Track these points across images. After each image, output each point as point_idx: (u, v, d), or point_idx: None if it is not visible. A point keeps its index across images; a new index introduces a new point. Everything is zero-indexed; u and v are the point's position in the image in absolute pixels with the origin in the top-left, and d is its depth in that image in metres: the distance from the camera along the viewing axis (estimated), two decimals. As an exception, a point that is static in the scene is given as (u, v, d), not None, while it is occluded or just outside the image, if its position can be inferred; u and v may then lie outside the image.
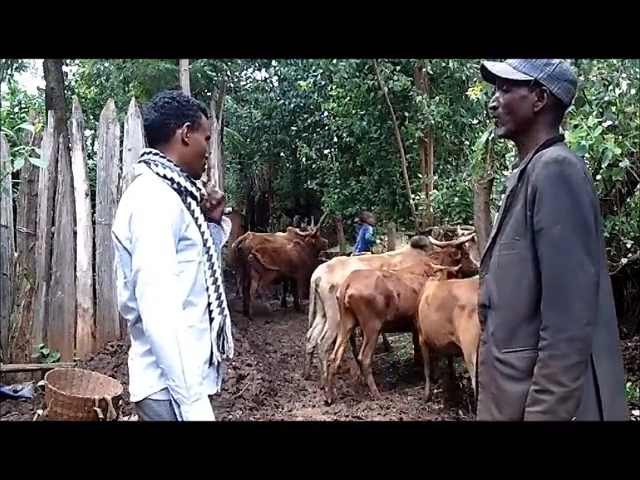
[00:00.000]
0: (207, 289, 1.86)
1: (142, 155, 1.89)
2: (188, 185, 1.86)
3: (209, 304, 1.86)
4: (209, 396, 1.83)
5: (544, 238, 1.47)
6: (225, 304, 1.93)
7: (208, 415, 1.71)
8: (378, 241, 9.74)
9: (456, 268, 5.04)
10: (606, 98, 3.61)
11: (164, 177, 1.82)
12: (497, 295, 1.60)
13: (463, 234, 5.57)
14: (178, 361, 1.65)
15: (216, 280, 1.89)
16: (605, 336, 1.52)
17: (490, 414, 1.60)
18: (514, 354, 1.53)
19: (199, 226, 1.87)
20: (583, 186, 1.47)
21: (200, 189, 1.93)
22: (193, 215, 1.86)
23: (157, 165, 1.83)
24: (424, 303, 4.72)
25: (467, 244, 5.32)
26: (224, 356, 1.91)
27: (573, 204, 1.45)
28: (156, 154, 1.86)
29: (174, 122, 1.86)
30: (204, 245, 1.87)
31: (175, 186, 1.83)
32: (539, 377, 1.44)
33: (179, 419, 1.70)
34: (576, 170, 1.47)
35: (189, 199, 1.87)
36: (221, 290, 1.91)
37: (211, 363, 1.85)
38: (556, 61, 1.57)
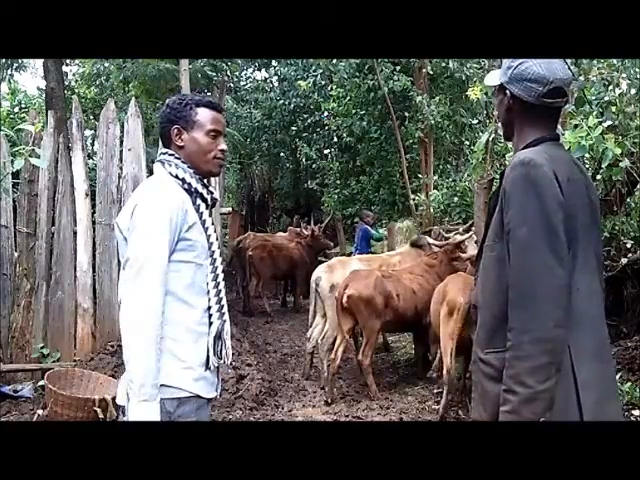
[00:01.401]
0: (208, 292, 1.85)
1: (159, 155, 1.91)
2: (199, 187, 1.86)
3: (209, 308, 1.85)
4: (207, 399, 1.84)
5: (511, 240, 1.48)
6: (225, 309, 1.91)
7: (152, 418, 1.66)
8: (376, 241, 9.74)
9: (467, 255, 5.05)
10: (606, 98, 3.62)
11: (176, 177, 1.83)
12: (481, 296, 1.62)
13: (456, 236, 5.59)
14: (138, 355, 1.64)
15: (218, 284, 1.88)
16: (589, 339, 1.51)
17: (478, 413, 1.61)
18: (494, 354, 1.54)
19: (206, 229, 1.86)
20: (549, 188, 1.46)
21: (212, 192, 1.91)
22: (201, 217, 1.85)
23: (170, 165, 1.85)
24: (435, 296, 4.77)
25: (466, 242, 5.32)
26: (221, 361, 1.89)
27: (538, 206, 1.45)
28: (171, 155, 1.87)
29: (167, 128, 1.87)
30: (209, 248, 1.86)
31: (186, 186, 1.83)
32: (505, 377, 1.45)
33: (126, 414, 1.69)
34: (542, 172, 1.47)
35: (199, 201, 1.86)
36: (222, 295, 1.90)
37: (207, 367, 1.84)
38: (517, 62, 1.59)
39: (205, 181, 1.91)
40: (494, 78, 1.68)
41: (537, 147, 1.57)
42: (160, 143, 1.97)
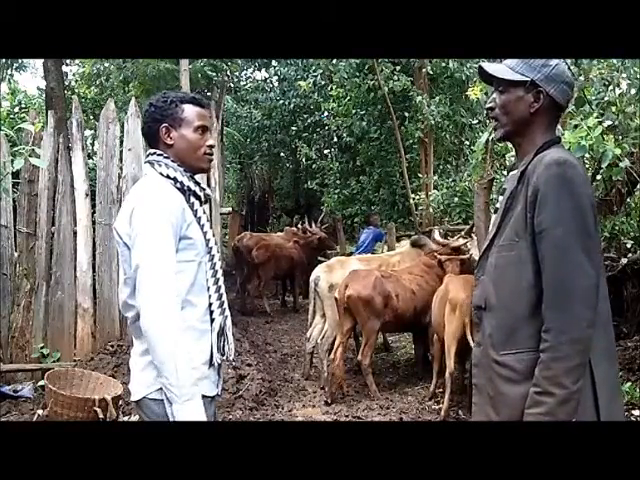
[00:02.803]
0: (208, 289, 1.85)
1: (147, 156, 1.90)
2: (191, 185, 1.86)
3: (210, 304, 1.85)
4: (210, 397, 1.83)
5: (545, 240, 1.47)
6: (226, 305, 1.92)
7: (199, 416, 1.69)
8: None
9: (466, 257, 5.03)
10: (606, 98, 3.62)
11: (167, 177, 1.83)
12: (495, 296, 1.59)
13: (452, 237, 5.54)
14: (171, 359, 1.64)
15: (217, 280, 1.88)
16: (603, 339, 1.52)
17: (486, 416, 1.59)
18: (513, 356, 1.52)
19: (202, 226, 1.86)
20: (584, 188, 1.47)
21: (204, 189, 1.92)
22: (196, 215, 1.85)
23: (160, 165, 1.84)
24: (435, 298, 4.78)
25: (468, 245, 5.29)
26: (224, 357, 1.90)
27: (575, 206, 1.45)
28: (160, 154, 1.86)
29: (154, 127, 1.86)
30: (206, 245, 1.87)
31: (178, 185, 1.83)
32: (540, 379, 1.44)
33: (170, 418, 1.69)
34: (577, 172, 1.47)
35: (192, 198, 1.86)
36: (222, 291, 1.90)
37: (211, 364, 1.85)
38: (554, 62, 1.57)
39: (197, 178, 1.91)
40: (507, 71, 1.60)
41: (555, 149, 1.56)
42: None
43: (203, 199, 1.91)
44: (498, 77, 1.61)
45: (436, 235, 5.65)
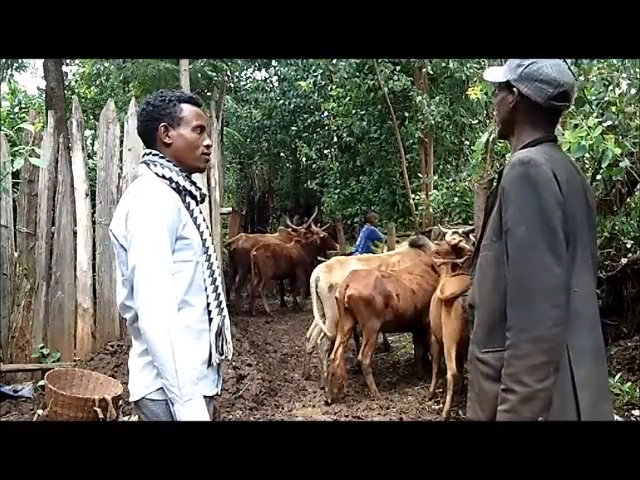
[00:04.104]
0: (205, 289, 1.85)
1: (143, 156, 1.90)
2: (187, 184, 1.86)
3: (208, 304, 1.85)
4: (209, 397, 1.83)
5: (510, 239, 1.48)
6: (224, 305, 1.92)
7: (201, 415, 1.69)
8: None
9: (461, 260, 5.01)
10: (606, 98, 3.62)
11: (163, 177, 1.82)
12: (478, 295, 1.63)
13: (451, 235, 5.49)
14: (171, 359, 1.64)
15: (215, 280, 1.88)
16: (588, 339, 1.52)
17: (474, 412, 1.61)
18: (491, 354, 1.54)
19: (198, 226, 1.86)
20: (548, 187, 1.46)
21: (200, 188, 1.92)
22: (192, 215, 1.85)
23: (156, 165, 1.84)
24: (433, 298, 4.77)
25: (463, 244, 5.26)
26: (223, 357, 1.90)
27: (539, 206, 1.45)
28: (155, 154, 1.86)
29: (152, 126, 1.86)
30: (203, 245, 1.86)
31: (174, 185, 1.83)
32: (504, 376, 1.46)
33: (174, 418, 1.69)
34: (541, 171, 1.47)
35: (188, 198, 1.86)
36: (220, 290, 1.90)
37: (210, 364, 1.85)
38: (528, 61, 1.58)
39: (193, 177, 1.91)
40: (496, 74, 1.66)
41: (536, 147, 1.57)
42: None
43: (199, 199, 1.91)
44: (485, 79, 1.71)
45: (447, 237, 5.63)
